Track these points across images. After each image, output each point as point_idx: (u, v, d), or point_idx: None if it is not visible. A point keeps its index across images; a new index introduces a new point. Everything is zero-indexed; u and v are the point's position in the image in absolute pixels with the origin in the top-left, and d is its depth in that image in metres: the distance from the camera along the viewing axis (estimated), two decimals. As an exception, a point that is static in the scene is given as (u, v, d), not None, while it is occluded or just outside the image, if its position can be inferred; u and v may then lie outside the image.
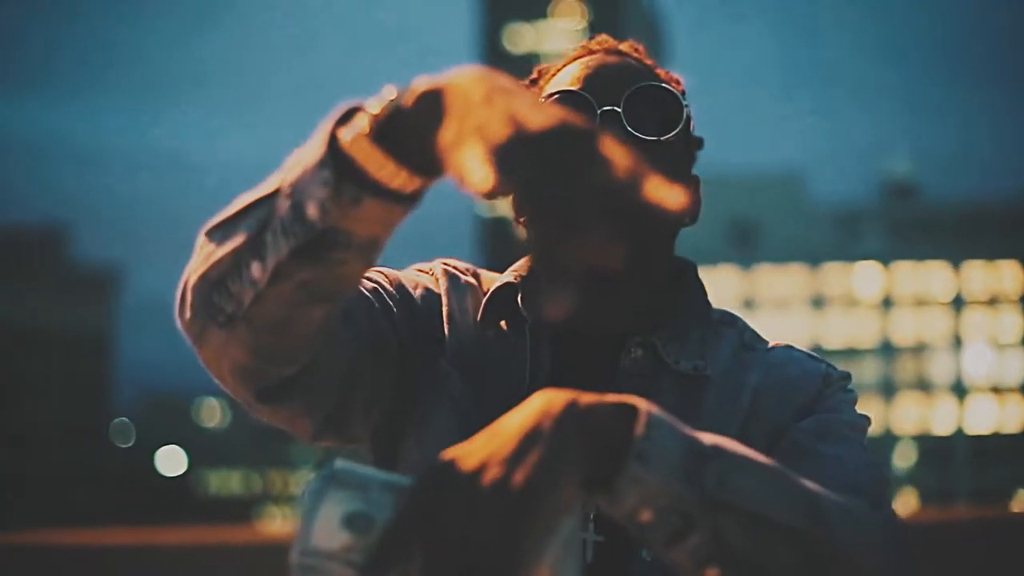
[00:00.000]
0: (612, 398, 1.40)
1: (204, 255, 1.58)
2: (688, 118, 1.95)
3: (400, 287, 1.95)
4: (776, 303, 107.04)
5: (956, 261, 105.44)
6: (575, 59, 2.00)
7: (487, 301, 1.96)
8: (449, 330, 1.93)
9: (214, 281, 1.56)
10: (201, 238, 1.60)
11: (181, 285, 1.62)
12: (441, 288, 1.98)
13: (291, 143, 1.72)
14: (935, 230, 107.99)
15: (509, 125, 1.22)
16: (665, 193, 1.19)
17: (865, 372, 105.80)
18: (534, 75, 2.05)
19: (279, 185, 1.49)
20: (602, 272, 1.18)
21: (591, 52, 2.01)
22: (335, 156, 1.41)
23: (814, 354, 1.98)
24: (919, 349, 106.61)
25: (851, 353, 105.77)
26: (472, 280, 2.01)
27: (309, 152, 1.45)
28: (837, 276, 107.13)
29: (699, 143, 2.02)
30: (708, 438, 1.45)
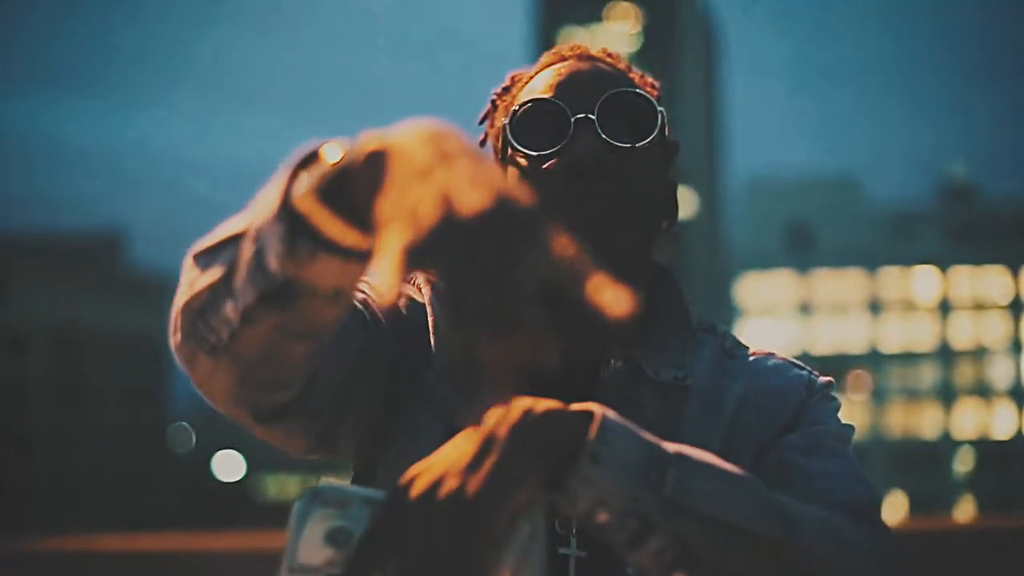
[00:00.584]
0: (575, 406, 1.42)
1: (189, 282, 1.55)
2: (664, 123, 1.90)
3: None
4: (833, 307, 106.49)
5: (1015, 264, 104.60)
6: (547, 65, 1.95)
7: None
8: (435, 340, 1.88)
9: (197, 310, 1.53)
10: (188, 261, 1.56)
11: (173, 307, 1.58)
12: (424, 297, 1.92)
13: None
14: (993, 233, 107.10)
15: (441, 205, 1.15)
16: (610, 294, 1.12)
17: (924, 377, 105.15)
18: (507, 82, 2.01)
19: (247, 226, 1.45)
20: (533, 373, 1.11)
21: (563, 59, 1.95)
22: (289, 209, 1.36)
23: (796, 361, 1.94)
24: (978, 353, 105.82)
25: (909, 357, 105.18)
26: None
27: (271, 196, 1.40)
28: (894, 280, 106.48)
29: (675, 148, 1.98)
30: (672, 446, 1.46)
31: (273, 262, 1.39)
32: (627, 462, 1.40)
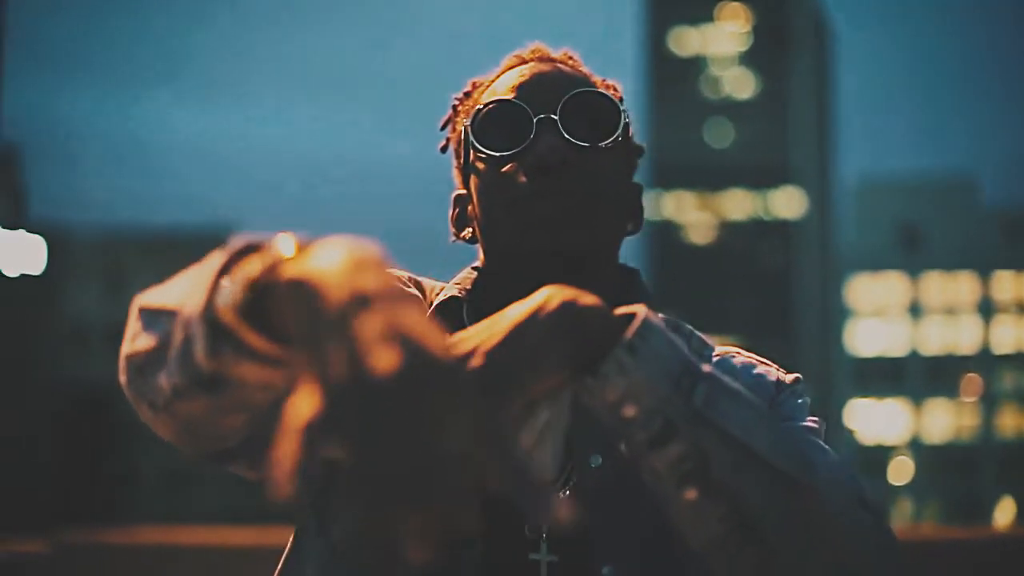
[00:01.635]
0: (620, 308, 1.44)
1: (132, 334, 1.50)
2: (627, 125, 1.89)
3: None
4: (943, 309, 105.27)
5: None
6: (509, 68, 1.94)
7: (430, 316, 1.79)
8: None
9: (137, 367, 1.49)
10: (135, 309, 1.51)
11: (120, 350, 1.53)
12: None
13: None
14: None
15: (349, 366, 1.05)
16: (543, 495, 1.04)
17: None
18: (468, 88, 2.00)
19: (180, 306, 1.39)
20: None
21: (524, 61, 1.94)
22: (212, 315, 1.30)
23: (763, 359, 1.92)
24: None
25: (1022, 359, 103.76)
26: (415, 291, 1.90)
27: (200, 285, 1.34)
28: (1006, 283, 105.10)
29: (640, 151, 1.98)
30: (707, 366, 1.47)
31: (199, 356, 1.33)
32: (662, 362, 1.41)
